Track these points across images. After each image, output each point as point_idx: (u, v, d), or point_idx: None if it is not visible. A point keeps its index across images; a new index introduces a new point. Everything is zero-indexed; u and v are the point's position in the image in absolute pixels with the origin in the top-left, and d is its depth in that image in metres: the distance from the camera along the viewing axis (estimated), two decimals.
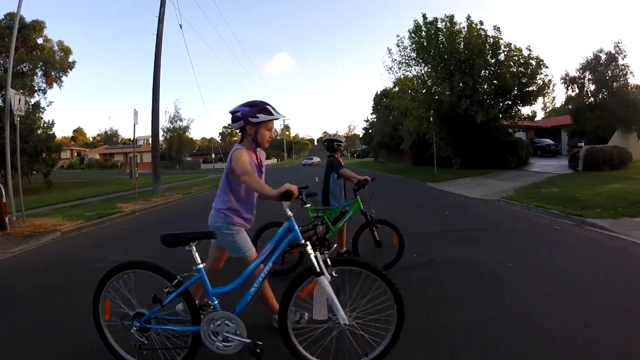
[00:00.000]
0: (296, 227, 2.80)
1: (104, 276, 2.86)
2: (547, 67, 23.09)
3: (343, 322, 2.59)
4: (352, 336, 2.69)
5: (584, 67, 27.16)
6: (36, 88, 26.37)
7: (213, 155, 52.96)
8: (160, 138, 24.87)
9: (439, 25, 24.27)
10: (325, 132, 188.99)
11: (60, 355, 3.26)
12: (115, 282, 2.87)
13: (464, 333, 3.38)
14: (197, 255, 2.70)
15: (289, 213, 2.80)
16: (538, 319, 3.62)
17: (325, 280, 2.59)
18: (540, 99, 24.89)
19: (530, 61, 23.04)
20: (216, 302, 2.74)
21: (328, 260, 2.65)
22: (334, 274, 2.65)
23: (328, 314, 2.67)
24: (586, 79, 27.40)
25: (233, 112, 3.07)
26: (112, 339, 2.91)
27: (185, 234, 2.67)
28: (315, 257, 2.64)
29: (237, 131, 3.22)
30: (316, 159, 73.55)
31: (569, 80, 28.13)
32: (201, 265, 2.71)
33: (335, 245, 5.28)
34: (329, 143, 5.70)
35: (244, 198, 3.18)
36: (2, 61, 24.51)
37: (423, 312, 3.82)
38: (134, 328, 2.74)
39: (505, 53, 23.63)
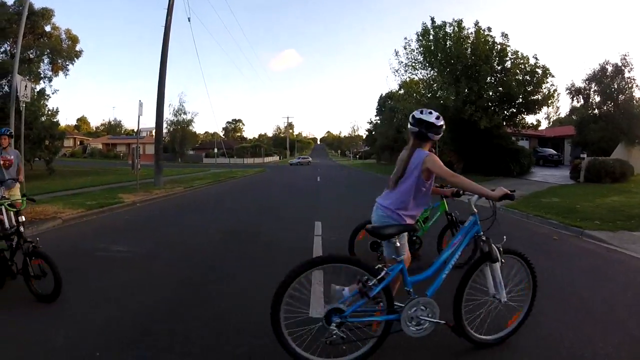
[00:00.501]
0: (479, 221, 3.28)
1: (291, 273, 2.76)
2: (553, 77, 23.08)
3: (503, 300, 3.14)
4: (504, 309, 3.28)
5: (590, 79, 27.15)
6: (42, 75, 26.48)
7: (216, 150, 52.83)
8: (164, 130, 24.91)
9: (447, 29, 24.26)
10: (328, 132, 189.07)
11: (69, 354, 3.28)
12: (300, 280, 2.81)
13: (460, 338, 3.41)
14: (399, 247, 2.93)
15: (475, 210, 3.29)
16: (534, 323, 3.65)
17: (498, 265, 3.14)
18: (544, 108, 24.83)
19: (537, 70, 23.01)
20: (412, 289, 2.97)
21: (501, 249, 3.18)
22: (502, 261, 3.18)
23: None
24: (592, 90, 27.39)
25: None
26: (294, 343, 2.84)
27: (394, 227, 2.99)
28: (495, 247, 3.17)
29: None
30: (306, 158, 72.14)
31: (574, 91, 28.12)
32: (402, 257, 2.93)
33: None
34: None
35: (422, 199, 3.34)
36: (9, 47, 24.54)
37: None
38: (333, 324, 2.73)
39: (512, 60, 23.61)
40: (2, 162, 7.07)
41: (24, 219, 4.44)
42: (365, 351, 2.87)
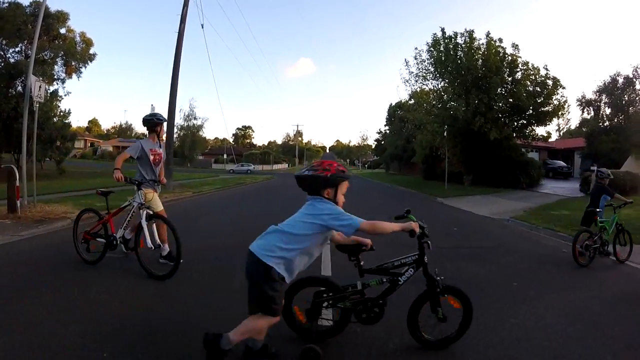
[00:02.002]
0: None
1: None
2: (563, 88, 22.92)
3: None
4: None
5: (601, 90, 27.08)
6: (55, 77, 26.66)
7: (225, 156, 53.03)
8: (174, 135, 25.08)
9: (459, 40, 24.23)
10: (337, 141, 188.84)
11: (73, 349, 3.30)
12: None
13: (466, 347, 3.39)
14: None
15: None
16: (539, 336, 3.64)
17: None
18: (555, 120, 24.67)
19: (547, 81, 22.87)
20: None
21: None
22: None
23: None
24: (602, 102, 27.31)
25: None
26: None
27: None
28: None
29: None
30: (247, 166, 62.06)
31: (584, 103, 28.05)
32: None
33: None
34: (602, 174, 7.50)
35: None
36: (24, 48, 24.80)
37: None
38: None
39: (523, 71, 23.51)
40: (152, 158, 5.75)
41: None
42: None
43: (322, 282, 3.41)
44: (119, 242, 5.51)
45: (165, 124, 6.05)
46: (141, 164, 5.68)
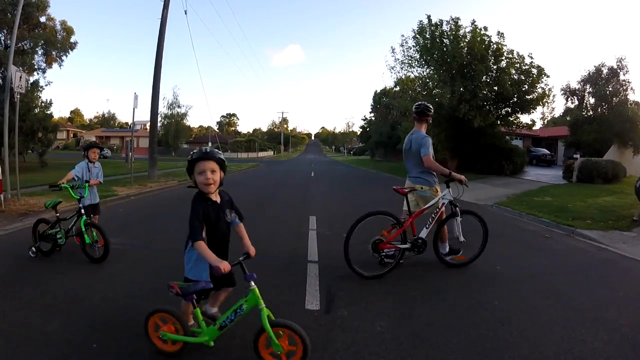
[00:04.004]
0: None
1: None
2: (548, 77, 22.95)
3: None
4: None
5: (585, 80, 27.29)
6: (36, 67, 26.20)
7: (210, 144, 52.57)
8: (158, 124, 24.87)
9: (444, 27, 24.21)
10: (323, 128, 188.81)
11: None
12: None
13: (450, 329, 3.47)
14: None
15: None
16: (521, 317, 3.74)
17: None
18: (539, 108, 24.83)
19: (532, 69, 22.91)
20: None
21: None
22: None
23: None
24: (586, 92, 27.54)
25: None
26: None
27: None
28: None
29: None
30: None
31: (569, 92, 28.25)
32: None
33: None
34: None
35: None
36: (3, 37, 24.29)
37: (413, 307, 3.96)
38: None
39: (508, 60, 23.56)
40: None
41: None
42: None
43: None
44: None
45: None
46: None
